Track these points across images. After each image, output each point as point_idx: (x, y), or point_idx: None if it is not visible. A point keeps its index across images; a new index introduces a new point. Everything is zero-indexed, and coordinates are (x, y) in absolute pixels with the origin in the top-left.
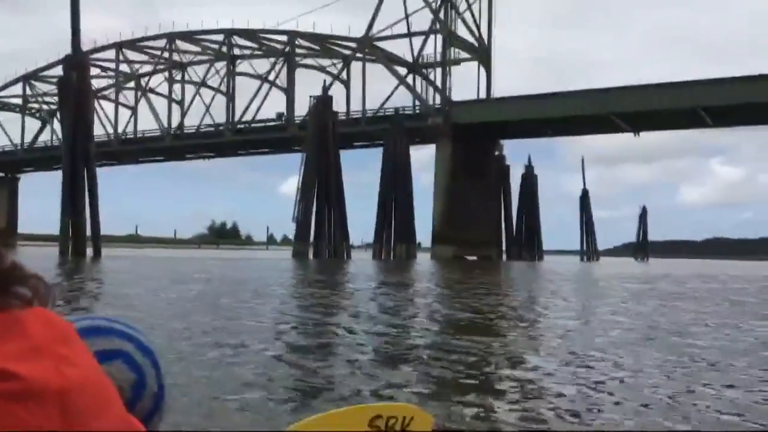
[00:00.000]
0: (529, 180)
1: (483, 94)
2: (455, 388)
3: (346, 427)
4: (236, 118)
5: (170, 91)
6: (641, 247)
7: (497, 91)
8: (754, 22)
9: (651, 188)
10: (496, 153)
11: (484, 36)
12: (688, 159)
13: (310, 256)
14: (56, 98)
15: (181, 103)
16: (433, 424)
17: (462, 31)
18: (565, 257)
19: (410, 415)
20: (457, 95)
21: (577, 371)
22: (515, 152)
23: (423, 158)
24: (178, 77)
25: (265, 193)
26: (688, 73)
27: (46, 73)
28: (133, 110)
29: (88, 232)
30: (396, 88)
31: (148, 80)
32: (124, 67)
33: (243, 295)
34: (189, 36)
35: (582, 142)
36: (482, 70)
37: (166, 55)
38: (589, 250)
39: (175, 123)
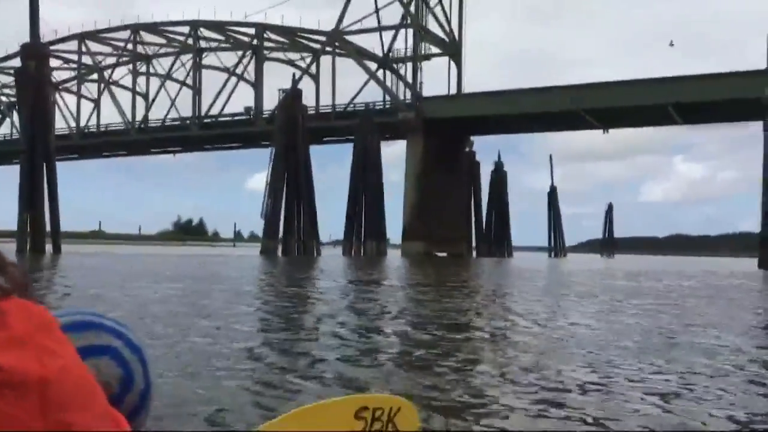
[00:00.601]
0: (499, 176)
1: (453, 90)
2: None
3: (331, 419)
4: (203, 112)
5: (134, 84)
6: (607, 244)
7: (468, 87)
8: (719, 21)
9: (616, 185)
10: (467, 149)
11: (455, 31)
12: (652, 156)
13: (279, 252)
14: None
15: (145, 96)
16: (417, 417)
17: (433, 26)
18: (533, 253)
19: (396, 406)
20: (428, 91)
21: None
22: (484, 149)
23: (394, 154)
24: (143, 70)
25: (233, 189)
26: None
27: (5, 64)
28: (96, 103)
29: (48, 228)
30: (366, 82)
31: (112, 72)
32: (86, 59)
33: (216, 295)
34: (154, 27)
35: (549, 140)
36: (453, 65)
37: (130, 47)
38: (557, 247)
39: (139, 116)
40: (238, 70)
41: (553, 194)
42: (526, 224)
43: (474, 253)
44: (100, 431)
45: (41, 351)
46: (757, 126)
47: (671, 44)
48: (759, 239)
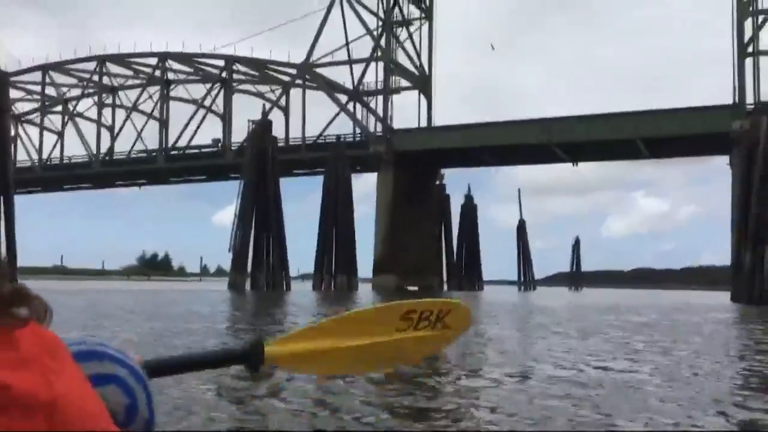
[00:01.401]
0: (469, 209)
1: (424, 123)
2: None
3: (377, 322)
4: (170, 144)
5: (99, 116)
6: (575, 277)
7: (438, 121)
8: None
9: (580, 219)
10: (437, 182)
11: (425, 65)
12: (614, 191)
13: (247, 287)
14: None
15: (111, 128)
16: (470, 315)
17: (403, 60)
18: (503, 287)
19: (447, 307)
20: (398, 124)
21: None
22: (454, 183)
23: (364, 187)
24: (109, 101)
25: (199, 223)
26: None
27: None
28: (60, 135)
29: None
30: (337, 115)
31: (76, 104)
32: (50, 91)
33: (188, 334)
34: (120, 59)
35: (515, 174)
36: (423, 98)
37: (95, 78)
38: (526, 280)
39: (104, 149)
40: (207, 102)
41: (521, 228)
42: (495, 258)
43: (445, 287)
44: None
45: (50, 372)
46: (716, 161)
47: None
48: (732, 273)
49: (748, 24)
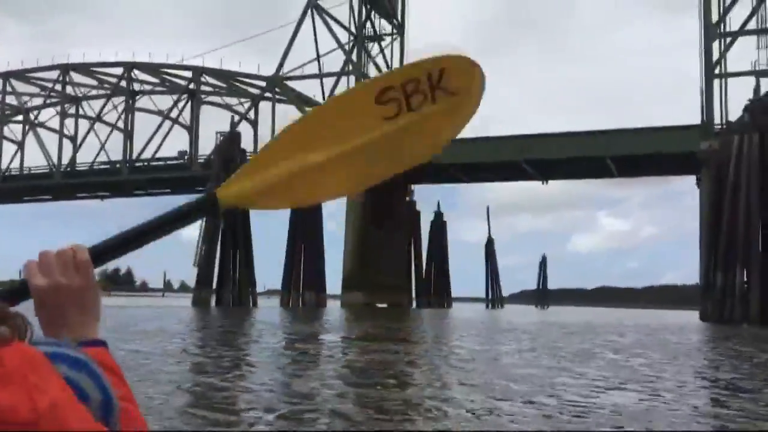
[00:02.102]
0: (439, 226)
1: None
2: None
3: (352, 114)
4: (134, 156)
5: (62, 126)
6: (542, 295)
7: None
8: (642, 83)
9: (547, 237)
10: (407, 198)
11: None
12: (578, 211)
13: (212, 303)
14: None
15: (73, 138)
16: (478, 69)
17: (374, 74)
18: (471, 304)
19: (439, 66)
20: None
21: None
22: (423, 199)
23: (334, 202)
24: (72, 111)
25: (163, 237)
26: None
27: None
28: (20, 145)
29: None
30: None
31: (38, 114)
32: (11, 99)
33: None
34: (85, 68)
35: (484, 191)
36: None
37: (58, 87)
38: (494, 298)
39: (66, 159)
40: (173, 114)
41: (490, 245)
42: (463, 274)
43: (414, 304)
44: None
45: (33, 389)
46: (677, 182)
47: None
48: (701, 292)
49: (716, 46)
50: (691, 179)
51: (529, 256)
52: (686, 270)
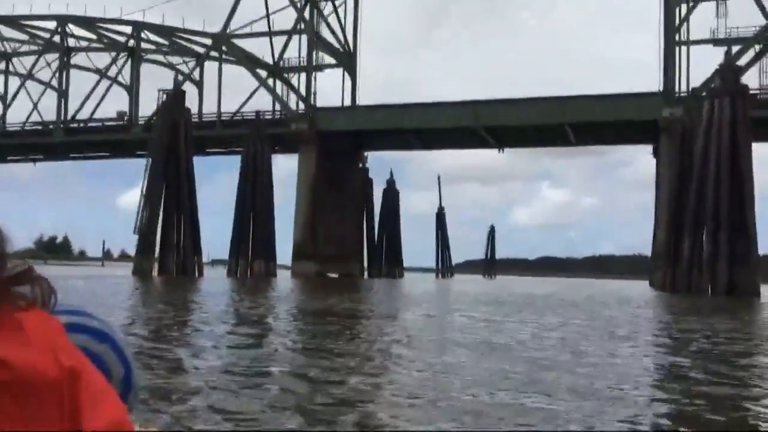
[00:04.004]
0: (391, 195)
1: (348, 104)
2: None
3: None
4: (69, 117)
5: None
6: (490, 265)
7: (362, 103)
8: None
9: (488, 208)
10: (360, 165)
11: (350, 42)
12: (521, 182)
13: (155, 272)
14: None
15: (2, 97)
16: None
17: (327, 35)
18: (421, 274)
19: None
20: (321, 104)
21: None
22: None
23: (284, 169)
24: (1, 68)
25: (102, 204)
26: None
27: None
28: None
29: None
30: (256, 90)
31: None
32: None
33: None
34: (15, 21)
35: (436, 161)
36: (347, 79)
37: None
38: (444, 267)
39: None
40: (111, 73)
41: (441, 215)
42: (412, 244)
43: (366, 274)
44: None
45: (56, 351)
46: (613, 154)
47: None
48: (659, 262)
49: (678, 13)
50: (628, 150)
51: (474, 226)
52: (625, 241)
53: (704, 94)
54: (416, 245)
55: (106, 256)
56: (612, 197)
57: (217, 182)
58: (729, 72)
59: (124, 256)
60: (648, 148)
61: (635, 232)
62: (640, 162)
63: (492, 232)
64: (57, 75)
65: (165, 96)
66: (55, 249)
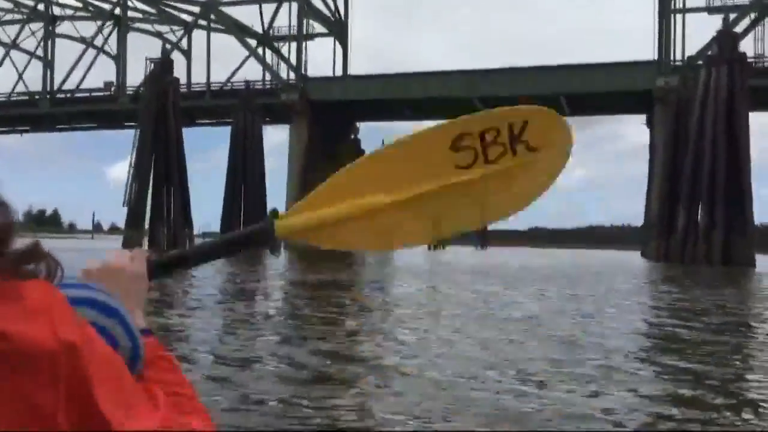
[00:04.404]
0: None
1: (339, 74)
2: None
3: (423, 158)
4: (55, 87)
5: None
6: (481, 236)
7: (354, 73)
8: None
9: None
10: (352, 136)
11: (341, 9)
12: None
13: (145, 245)
14: None
15: None
16: (565, 124)
17: (318, 3)
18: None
19: (522, 119)
20: (312, 74)
21: None
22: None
23: (275, 140)
24: None
25: (91, 176)
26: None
27: None
28: None
29: None
30: (246, 59)
31: None
32: None
33: None
34: None
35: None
36: (338, 48)
37: None
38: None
39: None
40: (98, 42)
41: None
42: None
43: None
44: (118, 405)
45: (56, 323)
46: (601, 126)
47: None
48: (649, 232)
49: None
50: (617, 121)
51: None
52: (614, 212)
53: (700, 62)
54: None
55: (96, 228)
56: (601, 169)
57: (211, 155)
58: (727, 39)
59: (114, 229)
60: (640, 118)
61: (625, 204)
62: (630, 133)
63: None
64: (42, 44)
65: (153, 65)
66: (45, 222)
